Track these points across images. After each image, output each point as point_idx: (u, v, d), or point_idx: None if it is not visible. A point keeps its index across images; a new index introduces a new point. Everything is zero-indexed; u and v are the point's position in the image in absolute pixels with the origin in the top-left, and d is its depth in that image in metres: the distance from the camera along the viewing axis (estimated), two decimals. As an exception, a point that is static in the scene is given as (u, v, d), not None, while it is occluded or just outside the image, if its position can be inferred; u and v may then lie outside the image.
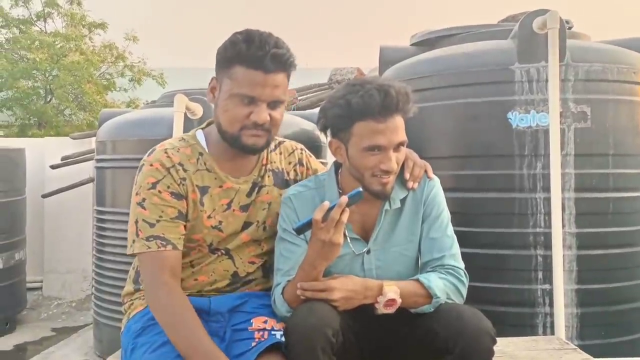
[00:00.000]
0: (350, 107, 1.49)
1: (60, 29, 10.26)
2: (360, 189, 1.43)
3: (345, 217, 1.40)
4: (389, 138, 1.49)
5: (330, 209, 1.39)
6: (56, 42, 9.64)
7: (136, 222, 1.53)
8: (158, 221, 1.52)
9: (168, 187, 1.54)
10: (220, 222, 1.59)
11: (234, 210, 1.61)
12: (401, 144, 1.53)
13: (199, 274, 1.62)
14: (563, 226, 2.36)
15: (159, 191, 1.53)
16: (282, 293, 1.53)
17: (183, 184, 1.55)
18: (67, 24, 10.20)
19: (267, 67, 1.47)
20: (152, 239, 1.51)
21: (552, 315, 2.36)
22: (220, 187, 1.59)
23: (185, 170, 1.56)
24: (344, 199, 1.39)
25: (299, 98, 4.80)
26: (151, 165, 1.55)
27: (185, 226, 1.56)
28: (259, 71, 1.47)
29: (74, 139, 5.38)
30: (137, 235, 1.52)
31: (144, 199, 1.53)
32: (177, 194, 1.54)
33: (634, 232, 2.54)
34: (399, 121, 1.51)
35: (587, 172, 2.45)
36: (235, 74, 1.49)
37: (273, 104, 1.52)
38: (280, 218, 1.62)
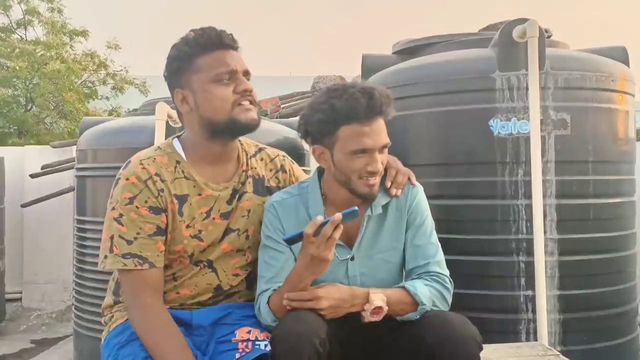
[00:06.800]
0: (335, 112, 1.49)
1: (41, 36, 10.14)
2: (356, 208, 1.40)
3: (337, 234, 1.39)
4: (374, 140, 1.51)
5: (324, 224, 1.37)
6: (37, 50, 9.52)
7: (112, 237, 1.50)
8: (136, 238, 1.49)
9: (145, 201, 1.51)
10: (200, 232, 1.56)
11: (213, 218, 1.58)
12: (385, 146, 1.55)
13: (182, 288, 1.59)
14: (545, 232, 2.38)
15: (137, 207, 1.50)
16: (267, 302, 1.52)
17: (161, 196, 1.52)
18: (47, 32, 10.08)
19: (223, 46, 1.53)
20: (129, 256, 1.48)
21: (535, 321, 2.37)
22: (200, 195, 1.57)
23: (162, 181, 1.53)
24: (338, 216, 1.37)
25: (282, 106, 4.78)
26: (127, 179, 1.52)
27: (166, 240, 1.53)
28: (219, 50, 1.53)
29: (54, 147, 5.30)
30: (111, 251, 1.49)
31: (121, 215, 1.50)
32: (156, 207, 1.51)
33: (614, 237, 2.57)
34: (382, 123, 1.53)
35: (568, 179, 2.47)
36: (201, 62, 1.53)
37: (246, 74, 1.55)
38: (264, 225, 1.60)
